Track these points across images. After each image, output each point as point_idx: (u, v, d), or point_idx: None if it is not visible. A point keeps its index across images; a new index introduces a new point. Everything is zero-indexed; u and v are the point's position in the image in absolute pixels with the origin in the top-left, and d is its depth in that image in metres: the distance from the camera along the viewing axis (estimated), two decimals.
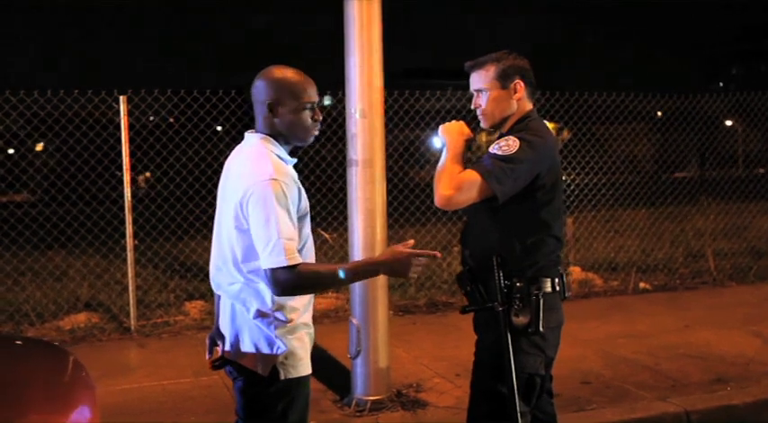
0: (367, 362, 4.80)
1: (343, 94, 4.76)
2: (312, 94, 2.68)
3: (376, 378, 4.83)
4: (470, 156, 3.06)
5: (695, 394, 4.99)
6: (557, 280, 2.99)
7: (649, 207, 11.31)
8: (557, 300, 3.01)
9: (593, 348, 6.06)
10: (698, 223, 10.68)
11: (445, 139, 3.03)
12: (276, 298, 2.59)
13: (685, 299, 8.05)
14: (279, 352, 2.61)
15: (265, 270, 2.49)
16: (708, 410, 4.79)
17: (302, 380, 2.67)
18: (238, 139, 2.83)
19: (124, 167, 6.67)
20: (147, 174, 23.99)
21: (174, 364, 5.80)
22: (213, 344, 2.83)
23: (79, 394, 2.50)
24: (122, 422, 4.66)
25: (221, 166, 2.81)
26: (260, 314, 2.62)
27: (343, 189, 5.03)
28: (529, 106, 3.07)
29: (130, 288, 6.81)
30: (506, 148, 2.85)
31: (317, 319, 7.19)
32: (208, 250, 2.93)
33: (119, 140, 6.73)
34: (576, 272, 8.75)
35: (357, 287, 4.77)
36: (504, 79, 3.01)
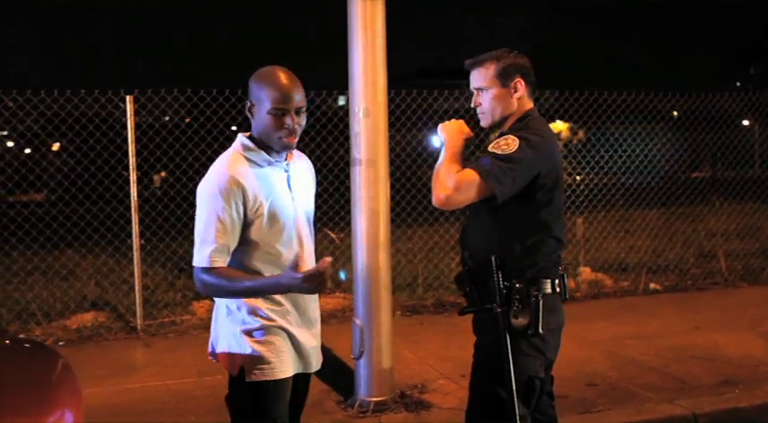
0: (370, 363, 4.77)
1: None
2: (283, 99, 2.56)
3: (379, 379, 4.80)
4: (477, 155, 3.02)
5: (703, 396, 4.93)
6: (557, 281, 2.94)
7: (661, 207, 11.21)
8: (557, 301, 2.96)
9: (601, 349, 6.01)
10: (710, 224, 10.59)
11: (444, 137, 2.99)
12: (243, 300, 2.59)
13: (696, 300, 7.98)
14: (245, 353, 2.60)
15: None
16: (715, 413, 4.73)
17: (272, 384, 2.62)
18: None
19: (130, 167, 6.68)
20: (163, 173, 24.09)
21: (179, 363, 5.79)
22: None
23: (62, 397, 2.47)
24: (124, 422, 4.66)
25: None
26: (230, 313, 2.64)
27: (350, 188, 5.00)
28: (529, 105, 3.03)
29: (137, 287, 6.81)
30: (506, 147, 2.81)
31: (325, 319, 7.16)
32: None
33: (134, 140, 6.73)
34: (585, 272, 8.69)
35: (360, 287, 4.74)
36: (504, 78, 2.96)
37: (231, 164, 2.57)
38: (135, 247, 6.81)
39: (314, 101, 7.69)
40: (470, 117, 3.26)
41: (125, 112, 6.65)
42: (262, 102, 2.58)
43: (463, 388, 4.95)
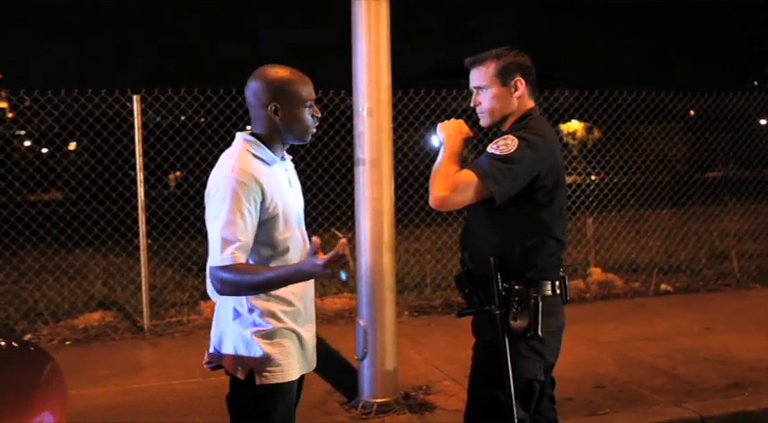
0: (374, 364, 4.74)
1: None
2: (310, 91, 2.65)
3: (383, 380, 4.76)
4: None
5: (712, 399, 4.87)
6: (557, 283, 2.89)
7: (672, 207, 11.11)
8: (557, 303, 2.91)
9: (610, 351, 5.95)
10: (722, 224, 10.48)
11: (443, 137, 2.94)
12: (252, 301, 2.56)
13: (707, 301, 7.89)
14: (255, 356, 2.56)
15: (209, 267, 2.49)
16: (724, 416, 4.66)
17: (281, 386, 2.60)
18: None
19: (137, 167, 6.68)
20: (178, 173, 24.17)
21: (185, 363, 5.78)
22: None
23: (44, 399, 2.45)
24: (127, 422, 4.66)
25: None
26: (238, 316, 2.59)
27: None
28: (530, 104, 2.98)
29: (143, 287, 6.82)
30: (504, 147, 2.76)
31: (332, 319, 7.19)
32: None
33: (141, 140, 6.73)
34: (596, 273, 8.61)
35: (364, 288, 4.71)
36: (504, 76, 2.92)
37: (246, 161, 2.54)
38: (142, 247, 6.82)
39: (321, 100, 7.67)
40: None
41: (132, 111, 6.66)
42: (294, 98, 2.60)
43: None
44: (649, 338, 6.31)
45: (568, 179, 10.95)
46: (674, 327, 6.74)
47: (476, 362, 2.97)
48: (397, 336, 4.90)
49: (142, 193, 6.73)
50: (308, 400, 4.85)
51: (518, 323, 2.80)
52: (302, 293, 2.68)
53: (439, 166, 2.84)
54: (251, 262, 2.54)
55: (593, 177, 9.98)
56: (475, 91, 2.98)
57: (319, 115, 2.69)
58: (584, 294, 8.08)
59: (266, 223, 2.55)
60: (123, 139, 7.35)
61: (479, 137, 3.27)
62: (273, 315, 2.59)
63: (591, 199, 9.04)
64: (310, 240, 2.40)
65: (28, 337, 6.58)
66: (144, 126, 6.71)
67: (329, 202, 8.60)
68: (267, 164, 2.61)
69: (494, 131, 3.03)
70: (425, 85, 8.42)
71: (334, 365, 5.44)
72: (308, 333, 2.74)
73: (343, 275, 2.37)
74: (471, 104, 3.01)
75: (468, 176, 2.74)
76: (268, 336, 2.58)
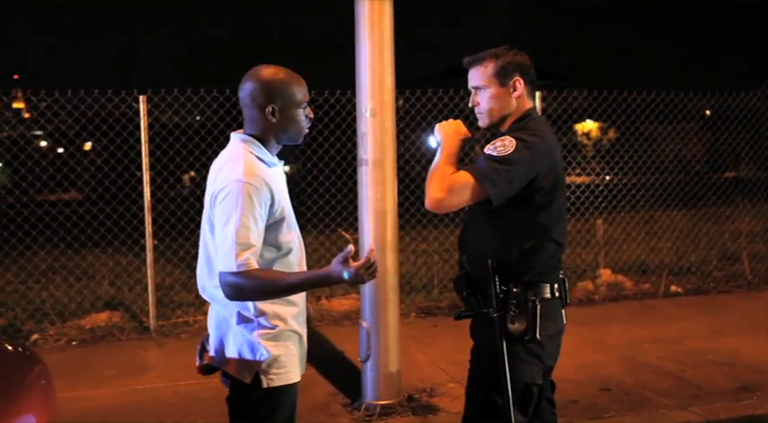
0: (377, 366, 4.71)
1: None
2: (305, 92, 2.64)
3: (386, 382, 4.74)
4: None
5: (719, 403, 4.81)
6: (556, 285, 2.85)
7: (683, 207, 11.02)
8: (556, 306, 2.87)
9: (617, 353, 5.90)
10: (734, 225, 10.37)
11: (440, 138, 2.91)
12: (258, 304, 2.53)
13: (717, 303, 7.81)
14: (262, 359, 2.54)
15: (218, 273, 2.46)
16: (731, 420, 4.61)
17: (286, 388, 2.59)
18: None
19: (144, 167, 6.69)
20: (192, 173, 24.21)
21: (190, 364, 5.65)
22: (203, 349, 2.77)
23: (27, 401, 2.44)
24: None
25: None
26: (243, 319, 2.56)
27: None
28: (529, 105, 2.94)
29: (150, 288, 6.83)
30: (502, 148, 2.72)
31: (338, 320, 7.17)
32: None
33: (147, 140, 6.74)
34: (605, 274, 8.54)
35: (367, 289, 4.68)
36: (502, 76, 2.88)
37: (254, 165, 2.52)
38: (148, 248, 6.83)
39: (328, 100, 7.66)
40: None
41: (138, 111, 6.67)
42: (290, 99, 2.58)
43: None
44: (657, 341, 6.24)
45: (583, 179, 10.92)
46: (683, 329, 6.68)
47: (473, 365, 2.94)
48: (401, 337, 4.88)
49: (148, 194, 6.73)
50: (311, 402, 4.85)
51: (516, 326, 2.76)
52: (303, 293, 2.68)
53: (435, 168, 2.80)
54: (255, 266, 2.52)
55: (607, 178, 9.91)
56: (473, 91, 2.95)
57: (312, 116, 2.68)
58: (592, 296, 8.03)
59: (273, 226, 2.54)
60: (129, 140, 7.37)
61: (477, 137, 3.24)
62: (280, 317, 2.58)
63: (600, 199, 8.98)
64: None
65: (35, 337, 6.60)
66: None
67: (336, 202, 8.58)
68: (268, 166, 2.59)
69: (492, 132, 2.99)
70: (437, 84, 8.37)
71: (339, 367, 5.41)
72: (305, 334, 2.73)
73: (346, 275, 2.39)
74: (470, 105, 2.97)
75: (465, 178, 2.71)
76: (274, 338, 2.56)
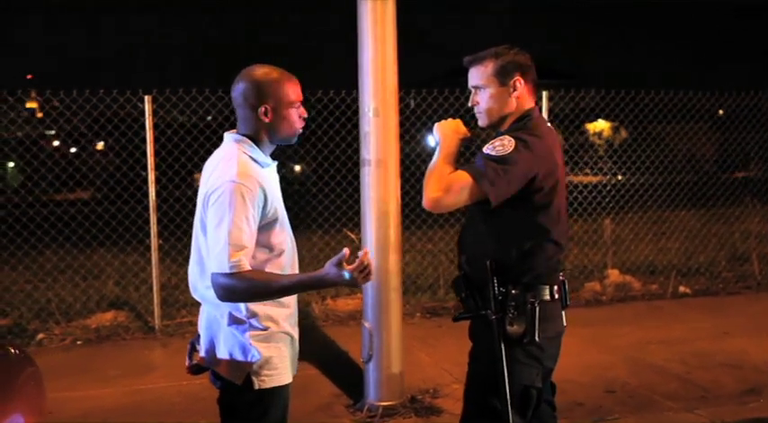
0: (379, 366, 4.69)
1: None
2: (298, 92, 2.63)
3: (389, 383, 4.72)
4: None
5: (725, 405, 4.77)
6: (556, 287, 2.82)
7: (691, 208, 10.94)
8: (556, 308, 2.84)
9: (623, 355, 5.85)
10: (744, 225, 10.29)
11: (439, 137, 2.88)
12: (250, 305, 2.51)
13: (726, 304, 7.75)
14: (253, 360, 2.53)
15: (210, 274, 2.44)
16: None
17: (277, 390, 2.58)
18: None
19: (149, 167, 6.69)
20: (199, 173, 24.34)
21: None
22: (193, 349, 2.76)
23: (14, 402, 2.42)
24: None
25: None
26: (234, 320, 2.55)
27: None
28: (529, 104, 2.89)
29: (155, 287, 6.82)
30: (500, 148, 2.69)
31: (343, 320, 7.15)
32: None
33: (152, 140, 6.74)
34: (613, 275, 8.49)
35: (369, 290, 4.66)
36: (502, 76, 2.84)
37: (247, 166, 2.51)
38: (153, 247, 6.83)
39: (333, 100, 7.65)
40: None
41: (143, 111, 6.67)
42: (284, 99, 2.57)
43: None
44: (664, 342, 6.20)
45: (590, 179, 10.85)
46: (691, 330, 6.62)
47: (472, 367, 2.92)
48: (404, 338, 4.86)
49: (153, 194, 6.74)
50: (314, 403, 4.84)
51: (514, 328, 2.72)
52: (295, 295, 2.66)
53: (433, 167, 2.77)
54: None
55: (619, 177, 9.85)
56: (473, 90, 2.91)
57: (306, 116, 2.66)
58: (600, 297, 7.98)
59: (265, 227, 2.53)
60: (134, 140, 7.38)
61: (483, 137, 3.21)
62: (271, 319, 2.57)
63: (608, 199, 8.92)
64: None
65: (40, 336, 6.61)
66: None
67: (341, 202, 8.55)
68: (261, 167, 2.58)
69: (488, 132, 2.97)
70: (445, 84, 8.33)
71: (342, 367, 5.39)
72: (296, 335, 2.72)
73: (347, 275, 2.38)
74: (469, 104, 2.94)
75: (463, 177, 2.67)
76: (265, 339, 2.55)
